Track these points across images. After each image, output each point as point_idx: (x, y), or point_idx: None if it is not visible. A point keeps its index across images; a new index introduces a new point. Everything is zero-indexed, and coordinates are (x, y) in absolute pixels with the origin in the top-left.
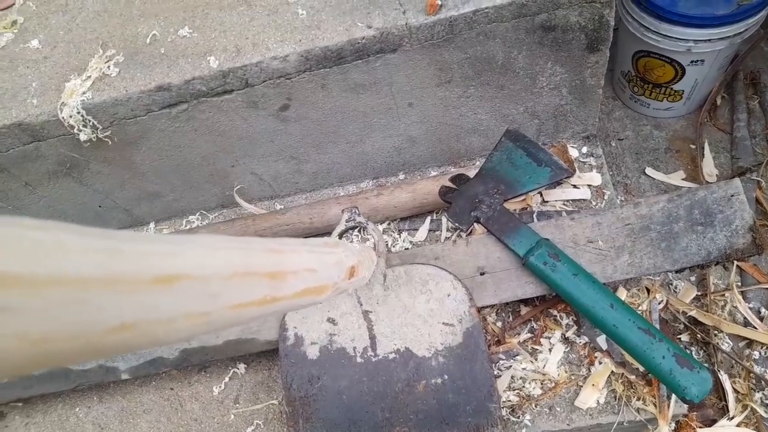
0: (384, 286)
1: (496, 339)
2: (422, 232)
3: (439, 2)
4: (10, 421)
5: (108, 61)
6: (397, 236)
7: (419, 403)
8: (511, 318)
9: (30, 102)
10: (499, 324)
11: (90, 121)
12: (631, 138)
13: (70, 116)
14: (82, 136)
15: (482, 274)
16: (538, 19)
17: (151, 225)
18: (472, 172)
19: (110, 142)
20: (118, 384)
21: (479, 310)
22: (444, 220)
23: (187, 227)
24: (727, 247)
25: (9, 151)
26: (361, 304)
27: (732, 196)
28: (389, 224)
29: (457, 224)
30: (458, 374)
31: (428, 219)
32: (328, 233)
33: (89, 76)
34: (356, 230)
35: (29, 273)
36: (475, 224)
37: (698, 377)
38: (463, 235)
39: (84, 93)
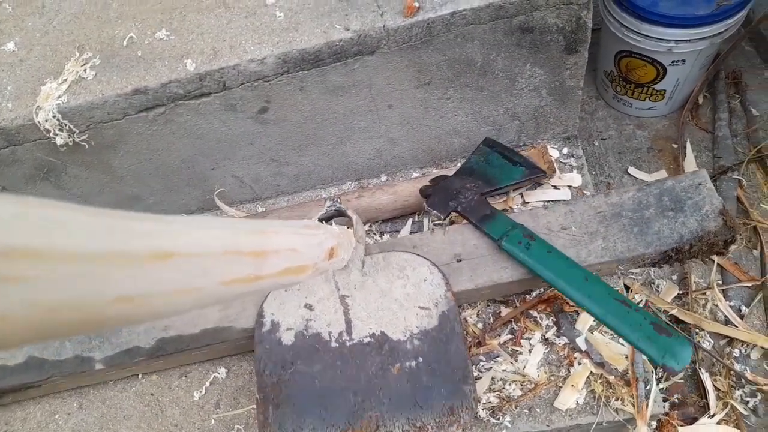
0: (362, 272)
1: (477, 341)
2: (404, 233)
3: (417, 4)
4: None
5: (84, 65)
6: (379, 238)
7: (393, 387)
8: (491, 319)
9: (5, 106)
10: (480, 326)
11: (66, 125)
12: (614, 137)
13: (46, 120)
14: (59, 140)
15: (459, 260)
16: (516, 21)
17: None
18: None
19: (87, 146)
20: (98, 389)
21: (455, 294)
22: (426, 221)
23: None
24: (699, 230)
25: None
26: (339, 290)
27: (699, 184)
28: (371, 226)
29: (435, 212)
30: (433, 356)
31: (410, 221)
32: None
33: (65, 80)
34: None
35: (39, 246)
36: (453, 215)
37: (677, 343)
38: (444, 221)
39: (60, 97)
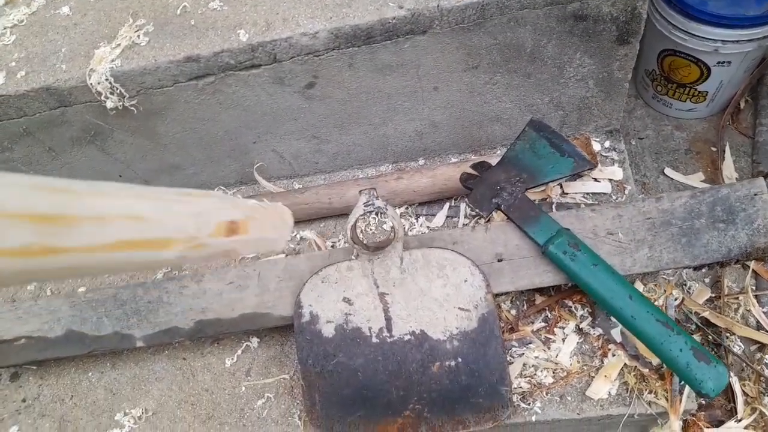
0: (401, 269)
1: (510, 326)
2: (440, 217)
3: None
4: (24, 382)
5: (138, 31)
6: (415, 221)
7: (433, 384)
8: (525, 306)
9: (59, 67)
10: (513, 312)
11: (117, 88)
12: (652, 137)
13: (98, 83)
14: (109, 104)
15: (500, 260)
16: (571, 7)
17: None
18: (493, 161)
19: (136, 111)
20: (132, 351)
21: (495, 296)
22: (462, 206)
23: None
24: (748, 246)
25: (36, 114)
26: (378, 286)
27: (755, 194)
28: (407, 208)
29: (477, 210)
30: (472, 358)
31: (446, 205)
32: (347, 215)
33: (119, 44)
34: (374, 214)
35: None
36: (494, 212)
37: (715, 371)
38: (482, 221)
39: (113, 60)
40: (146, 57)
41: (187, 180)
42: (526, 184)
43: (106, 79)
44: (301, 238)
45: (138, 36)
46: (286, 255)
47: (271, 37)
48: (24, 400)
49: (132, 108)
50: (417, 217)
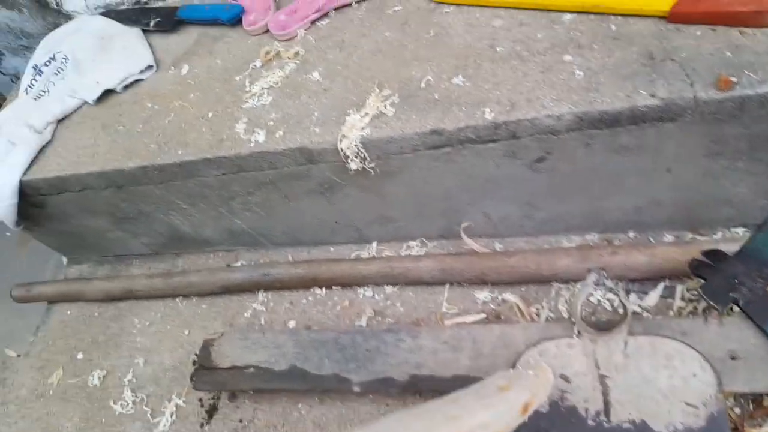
0: (624, 353)
1: (734, 426)
2: (653, 297)
3: (735, 79)
4: (241, 404)
5: (385, 101)
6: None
7: None
8: (751, 406)
9: (312, 130)
10: (738, 410)
11: (362, 153)
12: None
13: (348, 147)
14: (352, 166)
15: (733, 358)
16: None
17: (374, 244)
18: (720, 246)
19: (372, 173)
20: (339, 391)
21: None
22: (679, 288)
23: (407, 252)
24: None
25: (284, 168)
26: (599, 368)
27: None
28: (617, 283)
29: (712, 303)
30: None
31: (661, 285)
32: (551, 282)
33: (367, 113)
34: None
35: None
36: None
37: None
38: (701, 309)
39: (363, 128)
40: (393, 127)
41: (395, 230)
42: (767, 280)
43: (356, 145)
44: (503, 300)
45: (385, 106)
46: (487, 317)
47: (515, 117)
48: (240, 421)
49: (370, 170)
50: (628, 293)
